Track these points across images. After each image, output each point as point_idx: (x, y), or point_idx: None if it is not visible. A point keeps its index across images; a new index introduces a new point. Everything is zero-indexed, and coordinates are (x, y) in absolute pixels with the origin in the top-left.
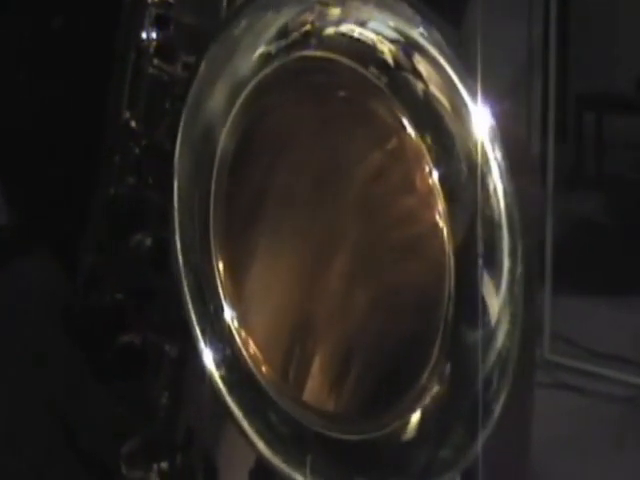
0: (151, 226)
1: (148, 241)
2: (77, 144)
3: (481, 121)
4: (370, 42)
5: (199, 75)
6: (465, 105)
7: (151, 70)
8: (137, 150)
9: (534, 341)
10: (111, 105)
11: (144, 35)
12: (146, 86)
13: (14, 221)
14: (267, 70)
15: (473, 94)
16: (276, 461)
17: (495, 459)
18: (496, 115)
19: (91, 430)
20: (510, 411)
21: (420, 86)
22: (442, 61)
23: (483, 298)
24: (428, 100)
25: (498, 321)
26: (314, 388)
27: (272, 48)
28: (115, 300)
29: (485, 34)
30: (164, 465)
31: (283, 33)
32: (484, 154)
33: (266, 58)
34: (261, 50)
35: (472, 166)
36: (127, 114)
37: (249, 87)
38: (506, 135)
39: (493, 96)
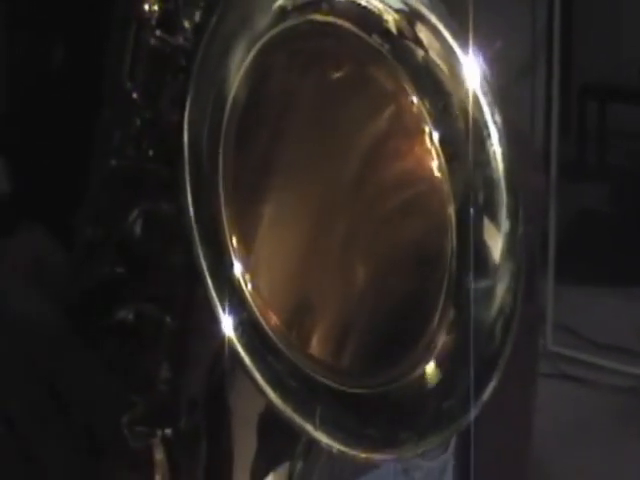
0: (151, 199)
1: (147, 214)
2: (77, 114)
3: (474, 76)
4: (376, 10)
5: (214, 22)
6: (462, 68)
7: (153, 41)
8: (138, 122)
9: (537, 332)
10: (112, 76)
11: (146, 6)
12: (148, 57)
13: (10, 192)
14: (280, 27)
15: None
16: (287, 411)
17: (497, 448)
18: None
19: (85, 402)
20: (512, 400)
21: (420, 53)
22: (442, 29)
23: (484, 245)
24: (428, 66)
25: (499, 271)
26: (324, 344)
27: (289, 3)
28: (114, 273)
29: (488, 23)
30: (168, 432)
31: None
32: (482, 117)
33: (282, 12)
34: (280, 2)
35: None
36: (129, 85)
37: (263, 40)
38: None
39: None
